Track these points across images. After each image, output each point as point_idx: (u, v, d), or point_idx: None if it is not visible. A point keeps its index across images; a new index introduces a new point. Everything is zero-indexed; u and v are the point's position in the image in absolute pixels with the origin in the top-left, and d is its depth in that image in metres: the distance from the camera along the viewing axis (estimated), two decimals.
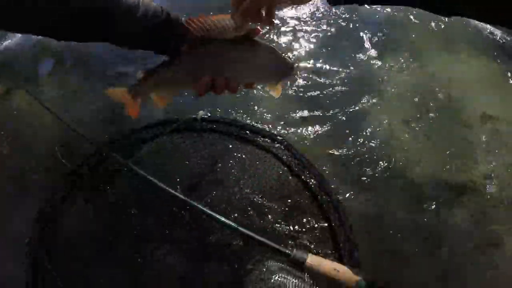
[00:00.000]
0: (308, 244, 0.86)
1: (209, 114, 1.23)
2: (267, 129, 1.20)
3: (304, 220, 0.91)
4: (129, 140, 1.21)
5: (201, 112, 1.24)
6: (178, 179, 1.20)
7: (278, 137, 1.01)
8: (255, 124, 1.28)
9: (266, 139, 1.07)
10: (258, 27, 0.60)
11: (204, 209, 0.93)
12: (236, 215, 0.99)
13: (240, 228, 0.85)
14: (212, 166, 1.22)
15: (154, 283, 1.06)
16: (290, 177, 0.97)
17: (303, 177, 0.94)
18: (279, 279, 0.93)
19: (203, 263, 1.09)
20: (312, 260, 0.79)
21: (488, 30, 2.03)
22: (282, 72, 0.64)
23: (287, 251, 0.81)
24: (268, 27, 0.59)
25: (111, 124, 1.44)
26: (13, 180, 1.30)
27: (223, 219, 0.89)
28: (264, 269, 0.96)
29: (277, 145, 1.01)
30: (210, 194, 1.10)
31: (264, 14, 0.56)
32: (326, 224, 0.87)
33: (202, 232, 1.12)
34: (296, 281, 0.89)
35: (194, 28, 0.58)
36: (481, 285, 1.23)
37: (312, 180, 0.91)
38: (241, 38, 0.59)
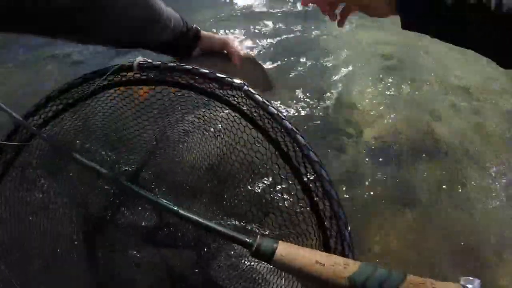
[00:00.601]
0: (279, 227, 0.62)
1: (149, 60, 0.91)
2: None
3: (274, 192, 0.65)
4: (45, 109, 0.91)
5: (139, 58, 0.93)
6: (115, 155, 0.94)
7: (236, 81, 0.72)
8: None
9: (223, 86, 0.78)
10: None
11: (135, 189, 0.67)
12: (183, 190, 0.74)
13: (181, 212, 0.60)
14: (159, 130, 0.94)
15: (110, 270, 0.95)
16: (254, 134, 0.70)
17: (270, 132, 0.66)
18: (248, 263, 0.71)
19: (157, 249, 0.88)
20: (284, 250, 0.54)
21: None
22: (264, 84, 0.77)
23: (247, 239, 0.56)
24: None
25: None
26: None
27: (158, 200, 0.63)
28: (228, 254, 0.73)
29: (234, 92, 0.73)
30: (151, 167, 0.84)
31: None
32: (304, 196, 0.61)
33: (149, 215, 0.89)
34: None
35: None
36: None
37: (283, 137, 0.64)
38: None
